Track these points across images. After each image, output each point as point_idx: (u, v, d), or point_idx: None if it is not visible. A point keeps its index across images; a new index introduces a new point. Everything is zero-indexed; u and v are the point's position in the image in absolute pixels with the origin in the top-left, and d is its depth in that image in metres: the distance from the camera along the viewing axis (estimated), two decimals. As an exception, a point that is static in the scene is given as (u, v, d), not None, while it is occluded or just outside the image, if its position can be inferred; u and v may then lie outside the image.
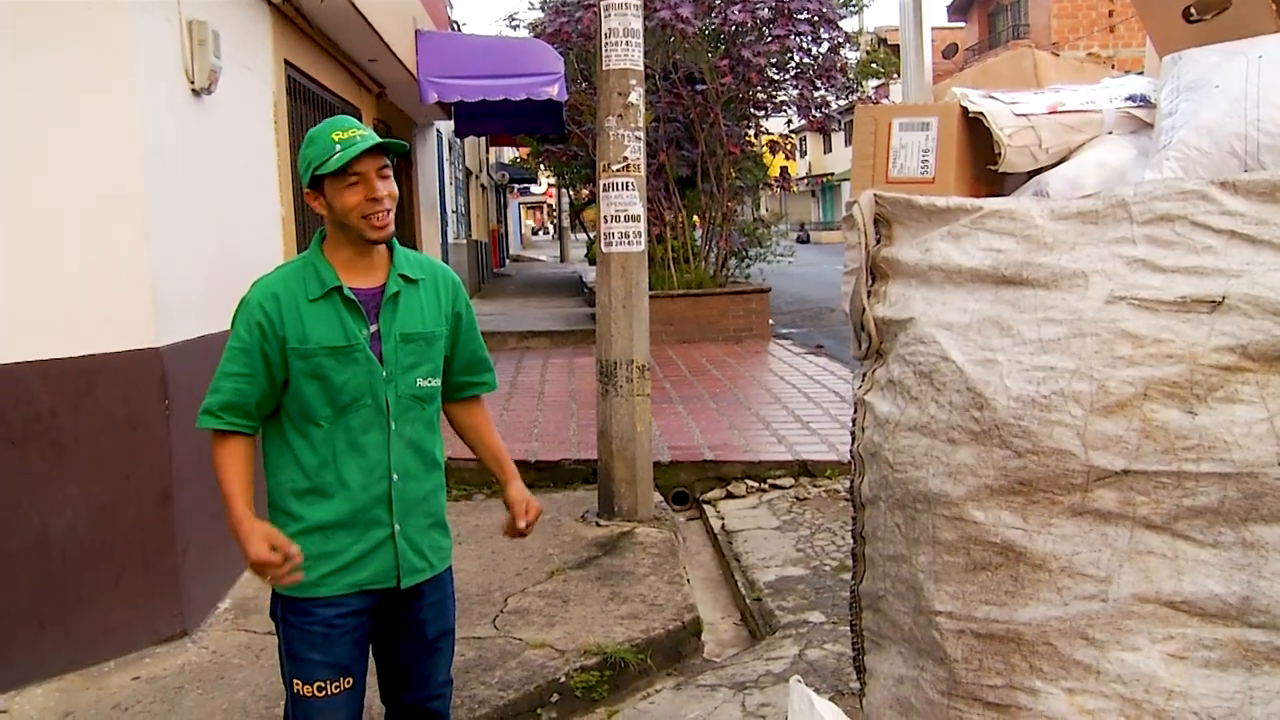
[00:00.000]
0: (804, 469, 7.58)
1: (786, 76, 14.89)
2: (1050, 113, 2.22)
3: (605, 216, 6.38)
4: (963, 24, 49.25)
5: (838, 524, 6.45)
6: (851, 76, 15.53)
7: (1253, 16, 2.20)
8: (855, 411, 2.25)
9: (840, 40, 14.64)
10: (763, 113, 15.57)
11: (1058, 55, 2.95)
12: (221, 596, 5.06)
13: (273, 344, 2.48)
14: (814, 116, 15.21)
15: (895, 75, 27.18)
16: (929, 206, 2.13)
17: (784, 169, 17.63)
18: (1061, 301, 1.88)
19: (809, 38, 14.06)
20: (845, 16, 15.56)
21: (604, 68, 6.29)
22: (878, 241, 2.24)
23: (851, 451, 2.27)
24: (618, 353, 6.41)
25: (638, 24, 6.28)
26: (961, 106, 2.27)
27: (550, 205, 57.56)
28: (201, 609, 4.79)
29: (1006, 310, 1.95)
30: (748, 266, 17.07)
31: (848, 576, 5.51)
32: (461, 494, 7.19)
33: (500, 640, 4.68)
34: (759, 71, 13.95)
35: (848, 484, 5.88)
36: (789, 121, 15.98)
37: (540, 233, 66.71)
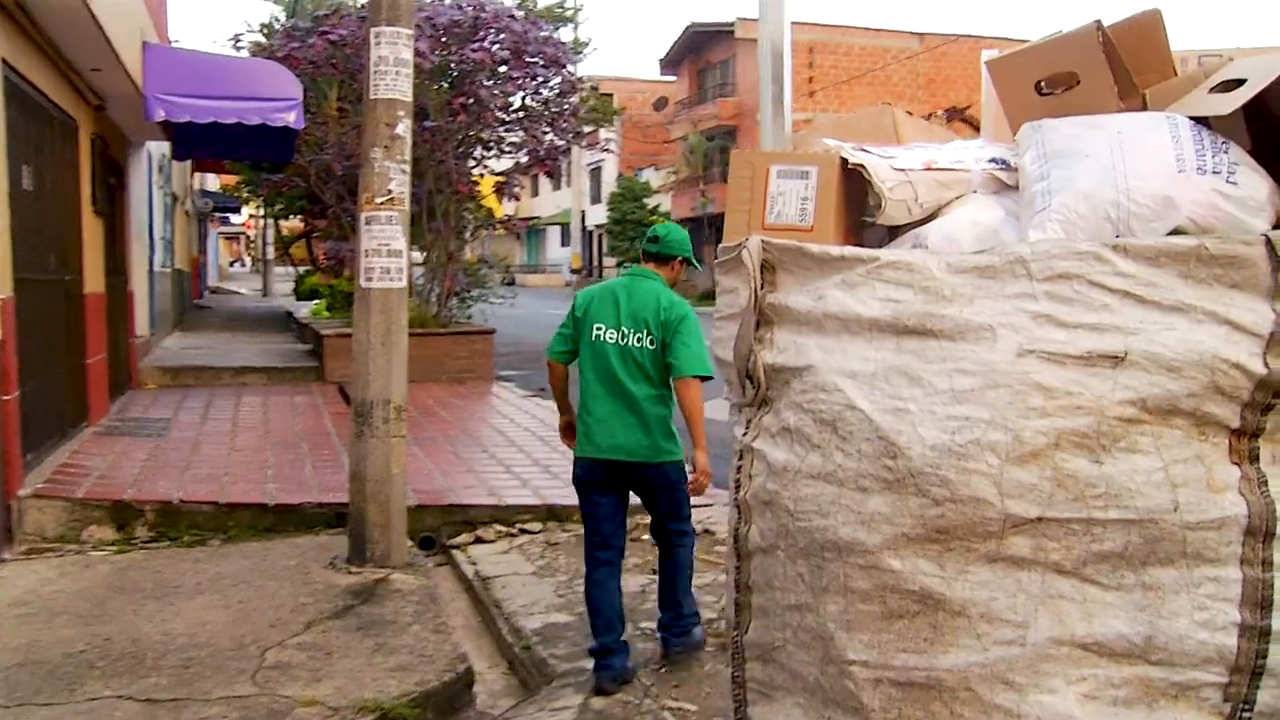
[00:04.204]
0: (552, 513, 7.53)
1: (520, 117, 14.95)
2: (925, 169, 2.30)
3: (366, 250, 6.14)
4: (674, 78, 51.22)
5: (595, 568, 6.43)
6: (578, 120, 15.77)
7: (1096, 94, 2.37)
8: (739, 459, 2.24)
9: (572, 84, 14.87)
10: (491, 153, 15.55)
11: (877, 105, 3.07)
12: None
13: None
14: (544, 160, 15.34)
15: (608, 122, 27.82)
16: (822, 255, 2.16)
17: (509, 215, 17.70)
18: (971, 353, 1.95)
19: (543, 80, 14.20)
20: (576, 62, 15.80)
21: (371, 96, 6.08)
22: (760, 288, 2.25)
23: (735, 500, 2.25)
24: (375, 392, 6.16)
25: (409, 54, 6.13)
26: (841, 157, 2.32)
27: (249, 236, 55.16)
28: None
29: (912, 360, 1.99)
30: (468, 307, 16.96)
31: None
32: (195, 539, 6.69)
33: (265, 699, 4.35)
34: (492, 111, 13.94)
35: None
36: (517, 163, 16.06)
37: (237, 264, 63.59)
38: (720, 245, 2.45)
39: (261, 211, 27.89)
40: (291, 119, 9.91)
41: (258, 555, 6.35)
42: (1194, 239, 1.95)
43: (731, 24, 44.04)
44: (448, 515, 7.38)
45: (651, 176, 50.76)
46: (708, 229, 47.30)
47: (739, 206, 2.39)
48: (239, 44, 15.78)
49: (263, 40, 16.37)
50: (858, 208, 2.43)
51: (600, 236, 58.19)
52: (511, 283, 21.19)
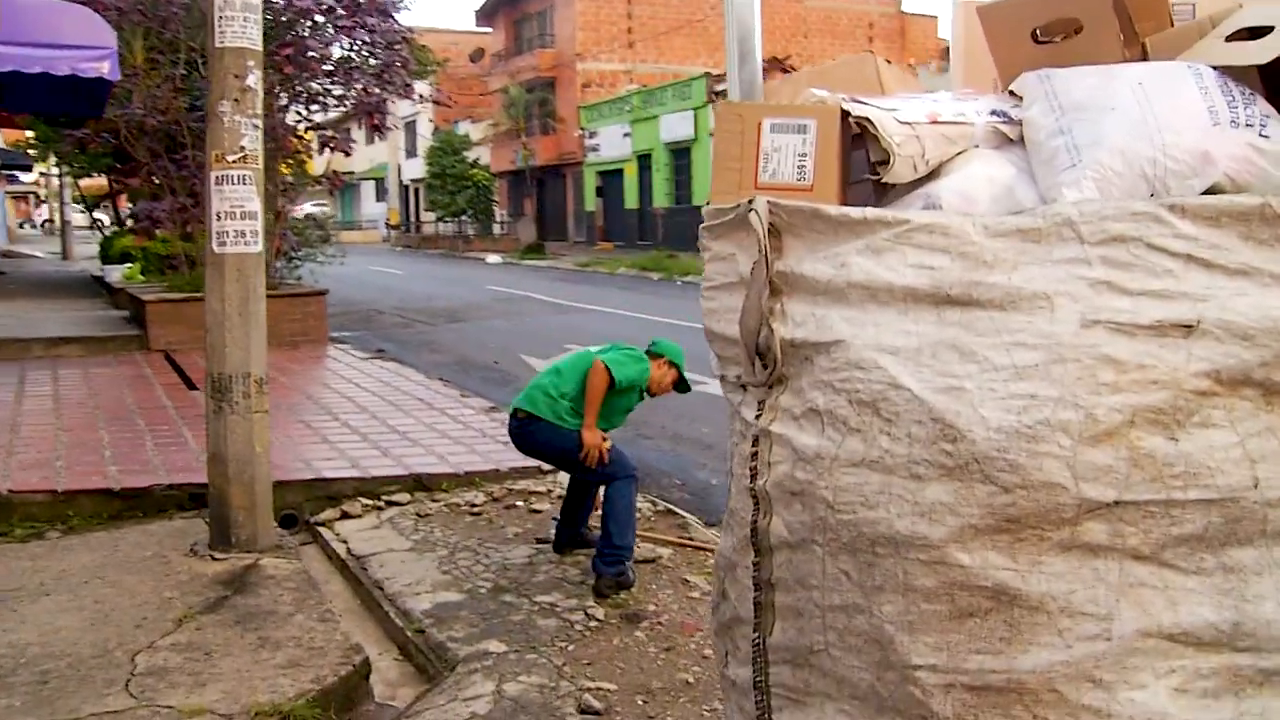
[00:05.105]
0: (419, 483, 7.23)
1: (346, 69, 14.27)
2: (931, 122, 2.13)
3: (218, 213, 5.67)
4: (489, 30, 50.18)
5: (474, 541, 6.18)
6: (408, 73, 15.18)
7: (1101, 42, 2.24)
8: (753, 445, 2.03)
9: (401, 35, 14.29)
10: (316, 107, 14.84)
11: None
12: None
13: None
14: (372, 114, 14.74)
15: (430, 75, 26.97)
16: (841, 218, 1.97)
17: (335, 171, 16.99)
18: (1029, 325, 1.79)
19: (374, 32, 13.57)
20: (401, 11, 15.14)
21: (216, 44, 5.59)
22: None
23: (750, 490, 2.04)
24: (233, 365, 5.72)
25: (258, -1, 5.65)
26: (843, 110, 2.13)
27: (39, 195, 51.72)
28: None
29: (959, 333, 1.83)
30: (297, 268, 16.31)
31: (512, 598, 5.27)
32: (30, 532, 6.12)
33: (144, 711, 3.97)
34: (319, 63, 13.27)
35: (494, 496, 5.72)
36: (346, 115, 15.37)
37: (27, 225, 59.43)
38: (709, 206, 2.23)
39: (57, 170, 26.03)
40: (106, 69, 9.14)
41: (107, 546, 5.85)
42: (1256, 198, 1.84)
43: (550, -26, 43.37)
44: (309, 490, 7.00)
45: (468, 129, 49.78)
46: (529, 182, 46.77)
47: (728, 164, 2.17)
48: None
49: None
50: (847, 164, 2.25)
51: (417, 191, 56.93)
52: (328, 240, 20.51)
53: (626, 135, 40.93)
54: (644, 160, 40.37)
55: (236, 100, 5.61)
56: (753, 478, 2.04)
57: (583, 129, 43.67)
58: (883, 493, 1.83)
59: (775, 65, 38.54)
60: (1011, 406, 1.76)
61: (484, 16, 49.77)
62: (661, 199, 39.36)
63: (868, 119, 2.10)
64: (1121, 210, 1.83)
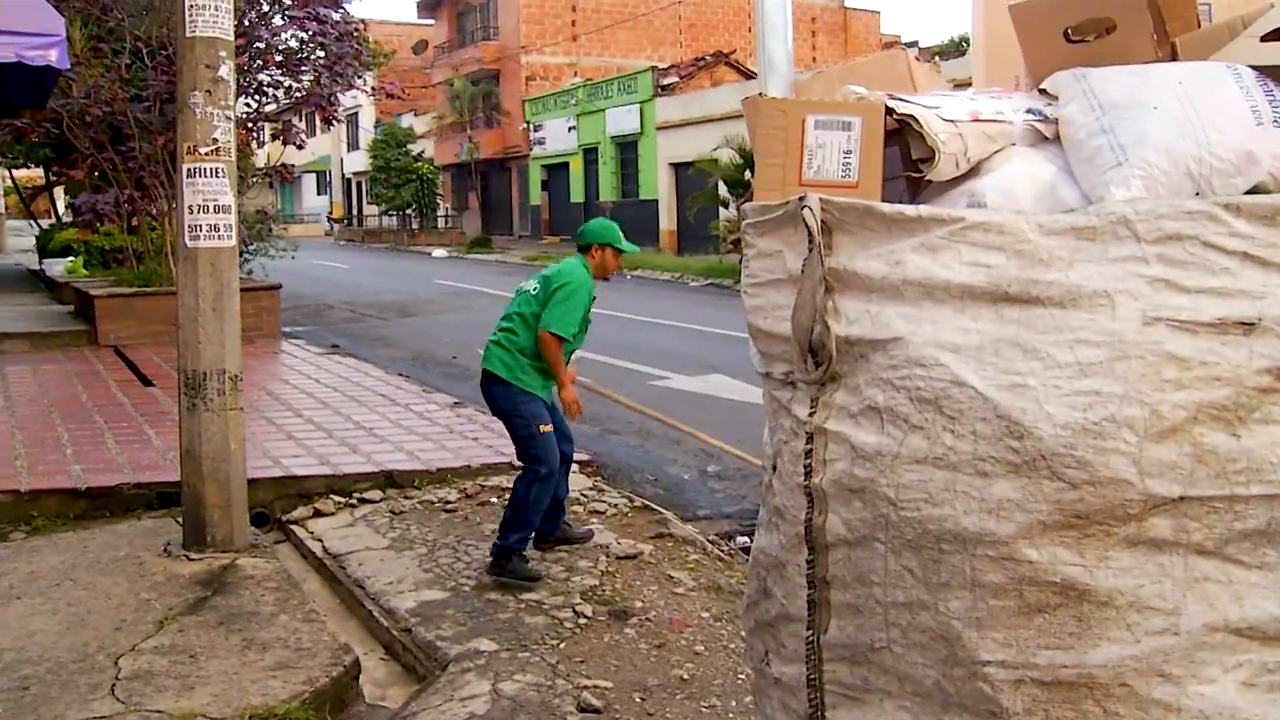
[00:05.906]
0: (391, 480, 7.17)
1: (297, 59, 14.09)
2: (973, 120, 2.15)
3: (191, 206, 5.59)
4: (432, 22, 49.74)
5: (452, 538, 6.14)
6: (361, 65, 15.03)
7: (1134, 42, 2.26)
8: (807, 442, 2.03)
9: (354, 27, 14.14)
10: (267, 98, 14.65)
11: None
12: None
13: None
14: (323, 106, 14.58)
15: (377, 67, 26.75)
16: (895, 215, 1.97)
17: (284, 164, 16.78)
18: (1090, 322, 1.81)
19: (324, 23, 13.41)
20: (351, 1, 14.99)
21: (187, 34, 5.49)
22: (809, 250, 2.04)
23: (804, 487, 2.04)
24: (208, 361, 5.65)
25: (230, -12, 5.56)
26: (887, 106, 2.14)
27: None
28: None
29: (1020, 330, 1.84)
30: (247, 262, 16.11)
31: (498, 596, 5.24)
32: (-6, 535, 5.98)
33: (134, 716, 3.90)
34: (272, 54, 13.09)
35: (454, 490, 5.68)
36: (298, 106, 15.19)
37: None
38: (751, 203, 2.22)
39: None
40: (54, 57, 8.88)
41: (76, 547, 5.74)
42: (1310, 197, 1.87)
43: (493, -35, 43.11)
44: (281, 488, 6.92)
45: (412, 122, 49.33)
46: (474, 175, 46.46)
47: (771, 159, 2.17)
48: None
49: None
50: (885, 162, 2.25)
51: (360, 184, 56.35)
52: (270, 232, 20.34)
53: (572, 129, 40.81)
54: (590, 154, 40.29)
55: (209, 91, 5.52)
56: (807, 475, 2.04)
57: (527, 122, 43.47)
58: (948, 490, 1.84)
59: (720, 59, 38.74)
60: (1077, 403, 1.78)
61: (426, 9, 49.38)
62: (608, 192, 39.29)
63: (913, 116, 2.11)
64: (1176, 209, 1.86)
